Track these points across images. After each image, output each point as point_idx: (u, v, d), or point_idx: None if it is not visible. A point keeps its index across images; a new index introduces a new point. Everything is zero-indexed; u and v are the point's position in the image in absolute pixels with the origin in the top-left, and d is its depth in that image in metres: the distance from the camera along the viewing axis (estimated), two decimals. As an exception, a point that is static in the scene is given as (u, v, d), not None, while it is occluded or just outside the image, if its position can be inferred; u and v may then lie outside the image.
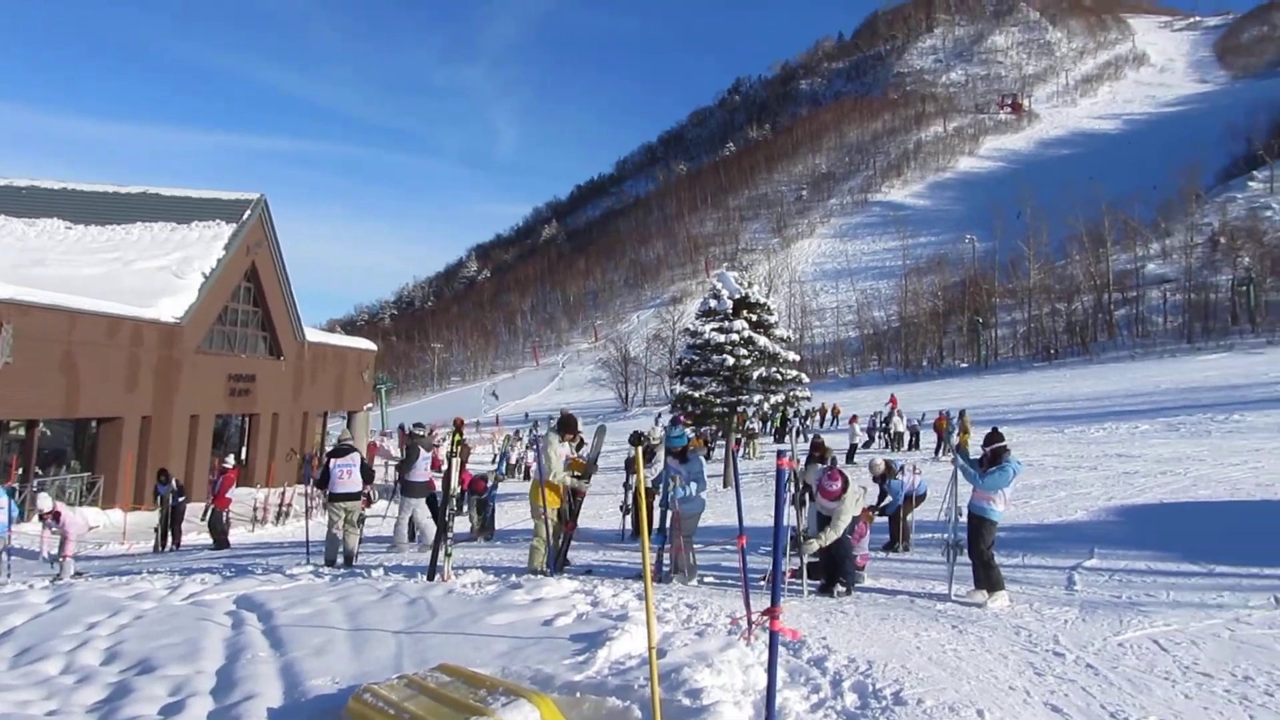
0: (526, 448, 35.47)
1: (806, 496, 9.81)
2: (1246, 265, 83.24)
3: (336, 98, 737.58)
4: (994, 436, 8.98)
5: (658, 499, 10.09)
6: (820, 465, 10.40)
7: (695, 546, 10.12)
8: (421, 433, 15.71)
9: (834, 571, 9.17)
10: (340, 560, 12.81)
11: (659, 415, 53.11)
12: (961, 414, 24.13)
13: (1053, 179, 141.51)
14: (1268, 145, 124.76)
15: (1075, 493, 17.11)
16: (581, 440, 13.44)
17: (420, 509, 14.34)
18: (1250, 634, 7.03)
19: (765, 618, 4.74)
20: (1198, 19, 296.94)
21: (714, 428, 26.35)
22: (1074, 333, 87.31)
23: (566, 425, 10.48)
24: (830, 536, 9.01)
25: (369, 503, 14.28)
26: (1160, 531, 12.68)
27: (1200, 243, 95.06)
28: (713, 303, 26.36)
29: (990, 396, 52.35)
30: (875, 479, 13.54)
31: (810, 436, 14.68)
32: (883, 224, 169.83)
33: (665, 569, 9.89)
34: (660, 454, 12.06)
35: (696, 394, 25.44)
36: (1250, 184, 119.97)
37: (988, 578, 8.55)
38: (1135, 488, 17.26)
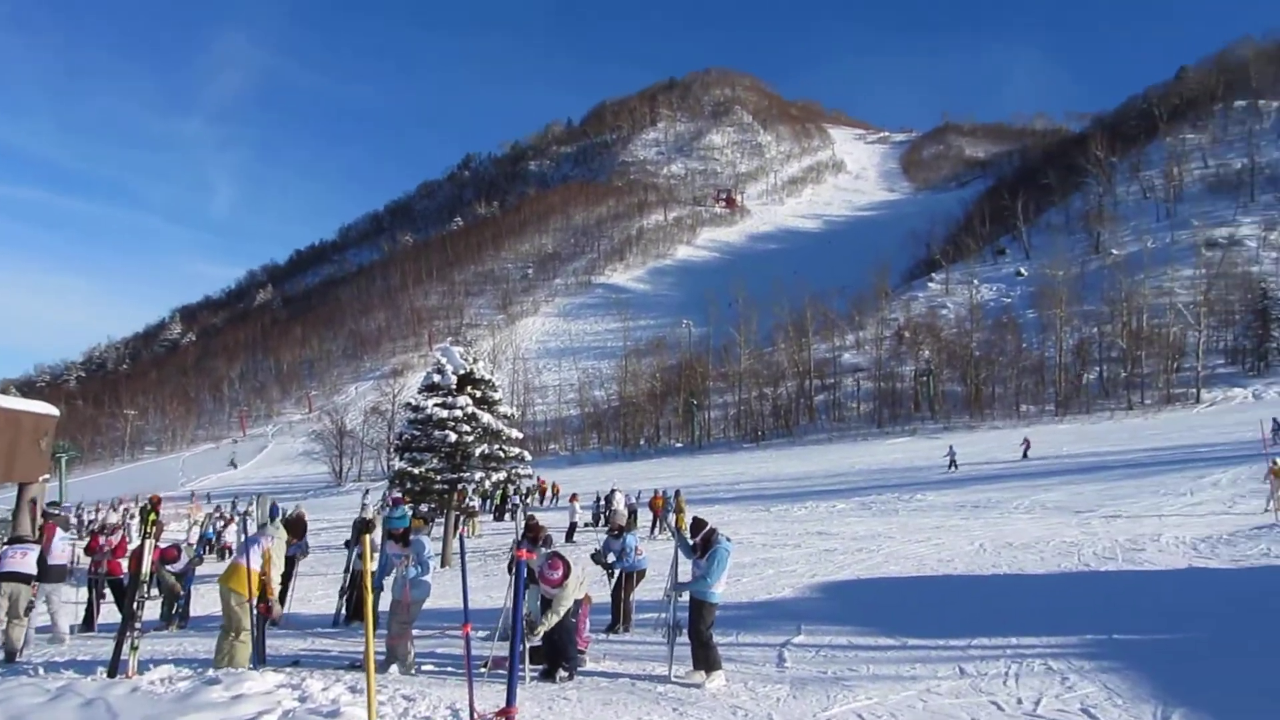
0: (226, 525, 33.17)
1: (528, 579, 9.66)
2: (926, 358, 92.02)
3: (23, 134, 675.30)
4: (698, 524, 9.21)
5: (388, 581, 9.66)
6: (542, 550, 10.28)
7: (413, 633, 9.71)
8: (56, 512, 14.40)
9: (556, 656, 9.06)
10: (0, 656, 11.32)
11: (366, 491, 51.38)
12: (677, 493, 24.83)
13: (762, 271, 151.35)
14: (944, 250, 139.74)
15: (782, 570, 17.93)
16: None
17: (55, 595, 12.98)
18: (940, 704, 7.56)
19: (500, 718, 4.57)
20: (887, 134, 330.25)
21: (433, 505, 25.61)
22: (779, 416, 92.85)
23: (294, 528, 9.88)
24: (552, 621, 8.91)
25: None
26: (859, 607, 13.48)
27: (888, 336, 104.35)
28: (436, 377, 25.88)
29: (703, 475, 54.42)
30: (614, 531, 13.55)
31: (526, 516, 14.58)
32: (605, 305, 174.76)
33: (380, 658, 9.42)
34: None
35: (416, 470, 24.73)
36: (929, 284, 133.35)
37: (706, 658, 8.72)
38: (835, 564, 18.31)
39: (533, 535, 11.37)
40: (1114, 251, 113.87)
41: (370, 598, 4.76)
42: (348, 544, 18.33)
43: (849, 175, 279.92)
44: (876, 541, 21.48)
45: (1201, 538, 17.79)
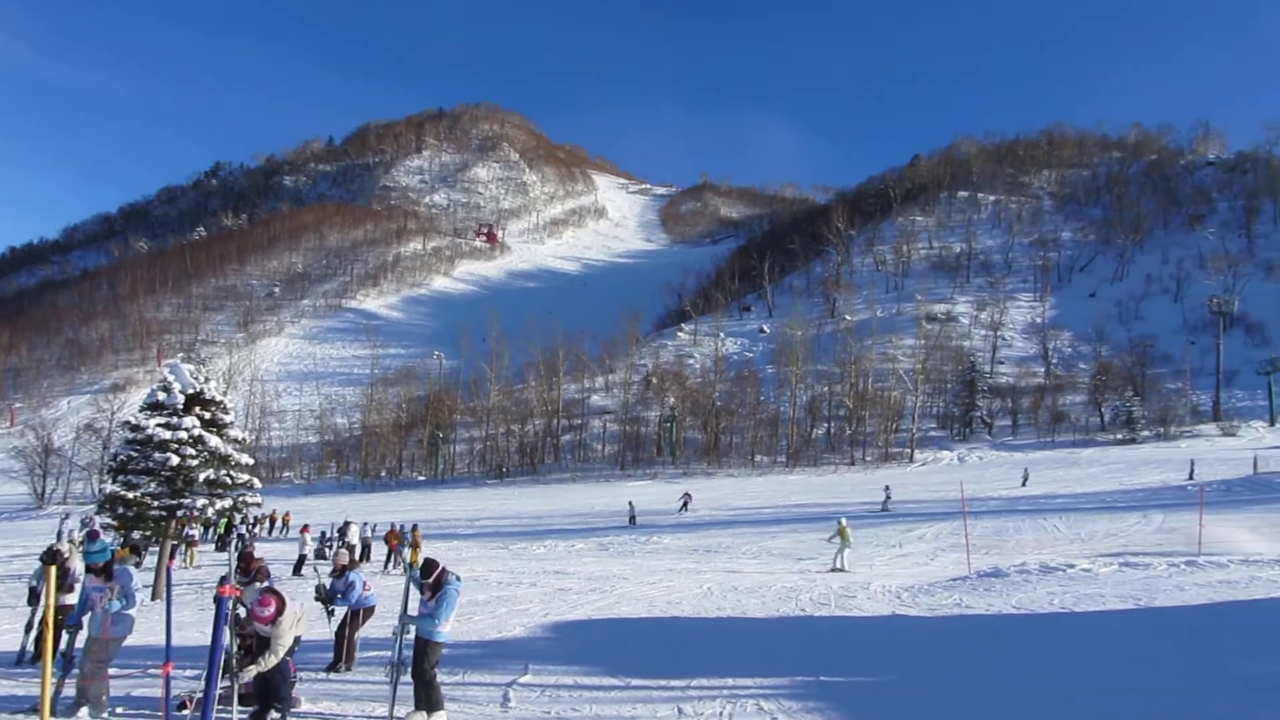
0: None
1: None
2: (671, 405, 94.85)
3: None
4: (430, 566, 9.03)
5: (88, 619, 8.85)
6: (256, 585, 9.64)
7: (110, 672, 8.93)
8: None
9: (268, 697, 8.58)
10: None
11: (66, 516, 47.08)
12: (414, 528, 24.28)
13: (519, 308, 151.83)
14: (694, 303, 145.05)
15: (515, 609, 17.86)
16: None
17: None
18: (655, 744, 7.72)
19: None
20: (649, 186, 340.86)
21: (148, 533, 23.77)
22: (525, 453, 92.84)
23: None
24: (269, 661, 8.42)
25: None
26: (588, 646, 13.59)
27: (636, 381, 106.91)
28: (161, 395, 24.15)
29: (444, 510, 53.54)
30: (336, 572, 13.02)
31: (240, 548, 13.79)
32: (354, 331, 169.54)
33: (67, 701, 8.60)
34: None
35: (131, 494, 22.92)
36: (679, 334, 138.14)
37: (428, 698, 8.53)
38: (569, 604, 18.43)
39: (245, 568, 10.75)
40: (847, 317, 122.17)
41: (51, 634, 4.34)
42: (37, 574, 16.67)
43: (610, 222, 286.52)
44: (611, 582, 21.80)
45: (905, 587, 19.19)
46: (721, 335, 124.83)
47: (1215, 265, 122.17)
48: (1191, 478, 52.17)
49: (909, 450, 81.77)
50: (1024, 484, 53.42)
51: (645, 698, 9.68)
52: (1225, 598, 15.68)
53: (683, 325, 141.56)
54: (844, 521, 24.99)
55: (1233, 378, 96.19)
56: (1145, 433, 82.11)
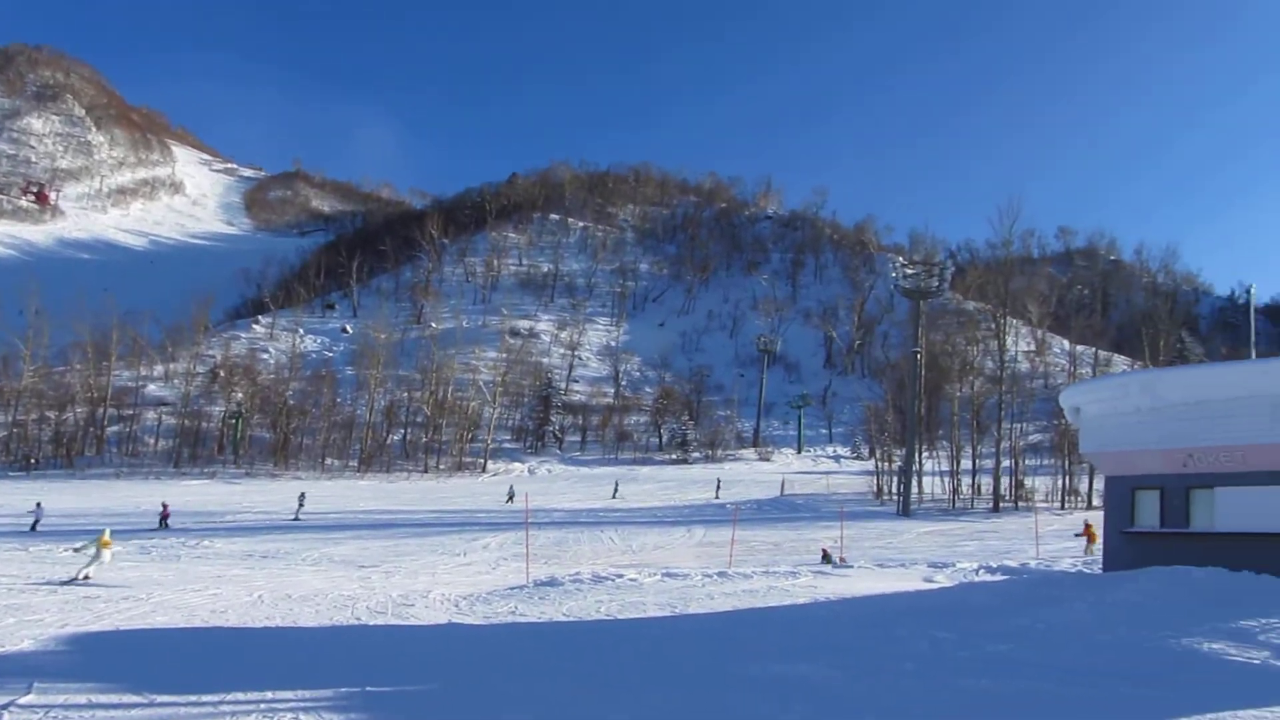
0: None
1: None
2: (239, 400, 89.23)
3: None
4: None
5: None
6: None
7: None
8: None
9: None
10: None
11: None
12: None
13: (68, 281, 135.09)
14: (275, 295, 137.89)
15: (27, 619, 15.72)
16: None
17: None
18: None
19: None
20: (235, 166, 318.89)
21: None
22: (60, 444, 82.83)
23: None
24: None
25: None
26: (111, 661, 12.25)
27: (202, 372, 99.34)
28: None
29: (-49, 504, 46.27)
30: None
31: None
32: None
33: None
34: None
35: None
36: (255, 326, 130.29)
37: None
38: (94, 613, 16.55)
39: None
40: (433, 324, 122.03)
41: None
42: None
43: (187, 199, 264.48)
44: (148, 589, 19.91)
45: (464, 595, 19.33)
46: (301, 331, 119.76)
47: (765, 308, 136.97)
48: (717, 496, 58.54)
49: (483, 460, 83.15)
50: (614, 495, 59.52)
51: (172, 715, 8.86)
52: (747, 605, 17.39)
53: (259, 317, 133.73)
54: (108, 533, 23.02)
55: (771, 409, 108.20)
56: (696, 454, 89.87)
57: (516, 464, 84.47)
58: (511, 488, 57.63)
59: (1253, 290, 34.44)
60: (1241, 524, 17.34)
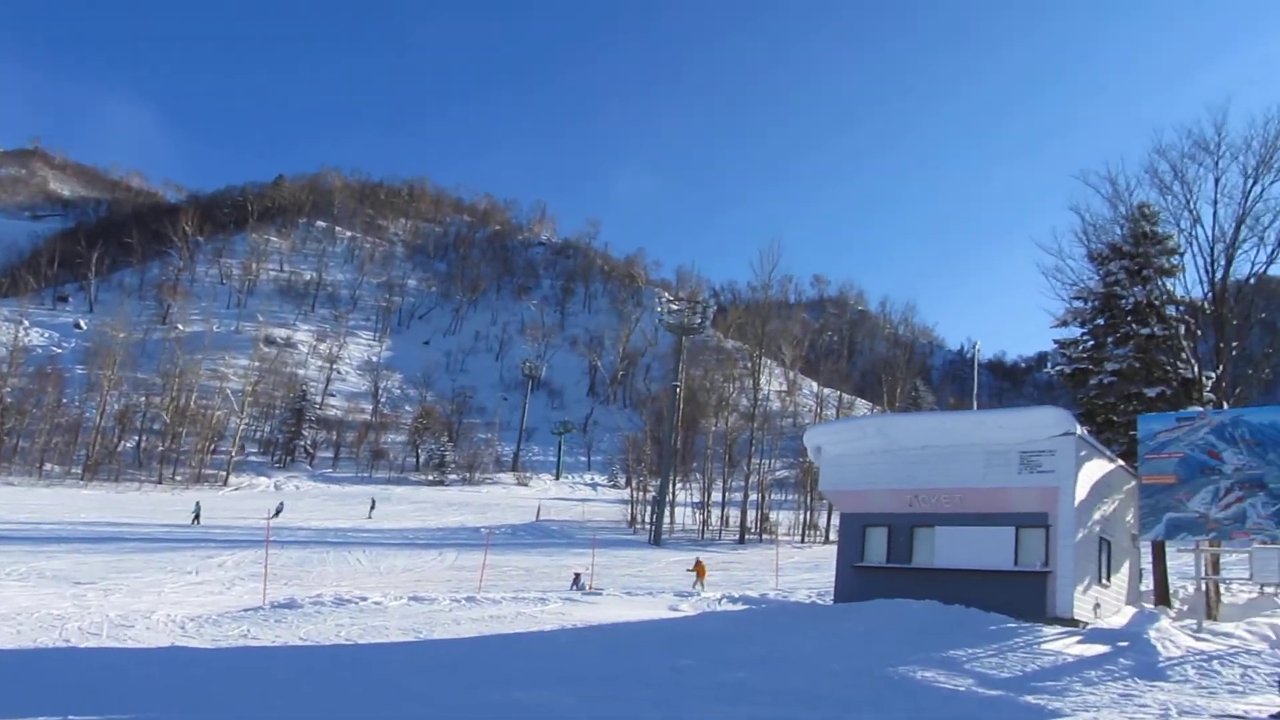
0: None
1: None
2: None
3: None
4: None
5: None
6: None
7: None
8: None
9: None
10: None
11: None
12: None
13: None
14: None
15: None
16: None
17: None
18: None
19: None
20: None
21: None
22: None
23: None
24: None
25: None
26: None
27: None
28: None
29: None
30: None
31: None
32: None
33: None
34: None
35: None
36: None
37: None
38: None
39: None
40: (180, 326, 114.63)
41: None
42: None
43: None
44: None
45: (192, 617, 18.13)
46: (26, 324, 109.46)
47: (533, 333, 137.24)
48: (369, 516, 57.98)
49: (225, 473, 78.62)
50: (370, 514, 57.92)
51: None
52: (493, 631, 17.22)
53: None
54: None
55: (533, 434, 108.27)
56: (453, 476, 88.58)
57: (263, 478, 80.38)
58: (198, 505, 49.29)
59: (977, 346, 37.57)
60: (956, 560, 18.80)
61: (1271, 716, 10.81)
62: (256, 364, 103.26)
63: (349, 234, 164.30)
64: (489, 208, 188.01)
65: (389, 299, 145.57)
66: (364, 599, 21.44)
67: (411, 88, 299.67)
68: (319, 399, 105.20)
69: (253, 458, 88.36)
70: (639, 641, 16.46)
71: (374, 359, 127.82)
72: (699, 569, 31.00)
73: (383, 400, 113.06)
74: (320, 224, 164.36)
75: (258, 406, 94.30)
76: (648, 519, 57.28)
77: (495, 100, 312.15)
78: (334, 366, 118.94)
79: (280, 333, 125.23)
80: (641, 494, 64.73)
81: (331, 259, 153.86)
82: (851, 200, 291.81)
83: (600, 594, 26.60)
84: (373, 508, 59.86)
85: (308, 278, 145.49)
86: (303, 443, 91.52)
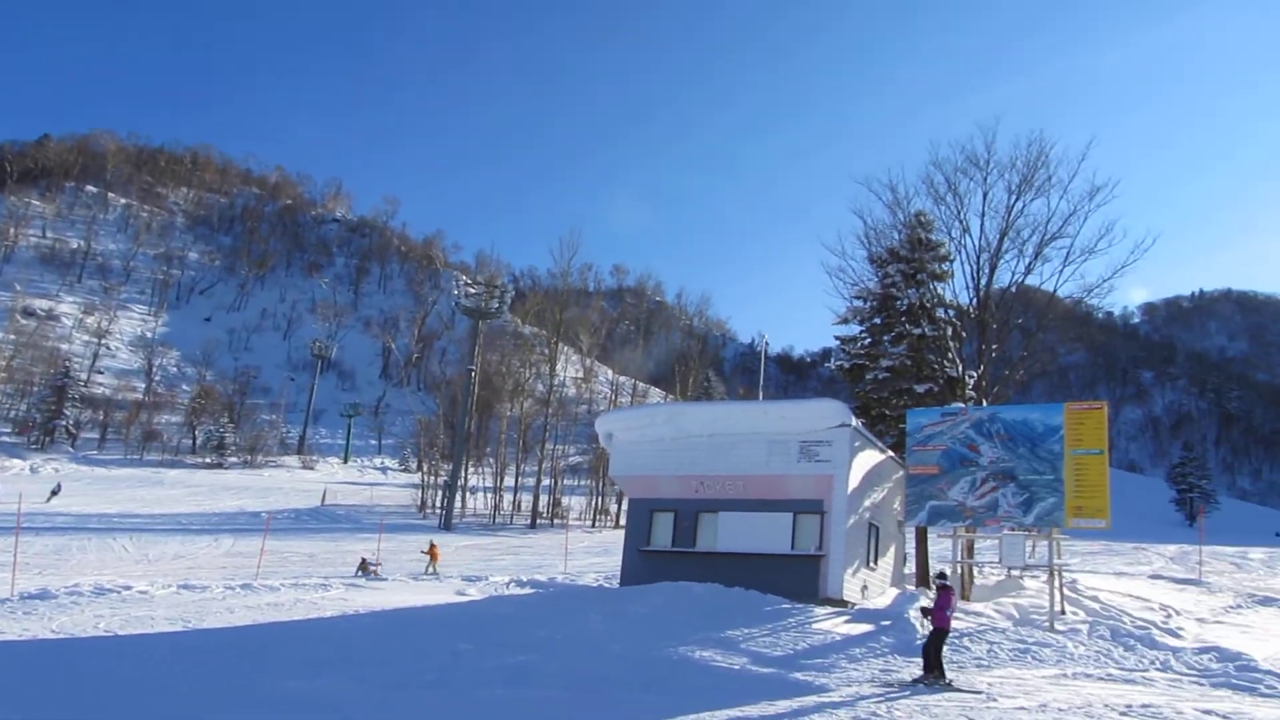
0: None
1: None
2: None
3: None
4: None
5: None
6: None
7: None
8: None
9: None
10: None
11: None
12: None
13: None
14: None
15: None
16: None
17: None
18: None
19: None
20: None
21: None
22: None
23: None
24: None
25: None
26: None
27: None
28: None
29: None
30: None
31: None
32: None
33: None
34: None
35: None
36: None
37: None
38: None
39: None
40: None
41: None
42: None
43: None
44: None
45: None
46: None
47: (324, 312, 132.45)
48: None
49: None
50: (51, 498, 50.82)
51: None
52: (270, 619, 16.56)
53: None
54: None
55: (321, 416, 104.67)
56: (234, 459, 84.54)
57: (17, 460, 74.12)
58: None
59: (766, 340, 39.06)
60: (738, 545, 19.49)
61: (915, 680, 12.02)
62: (13, 337, 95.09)
63: (123, 201, 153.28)
64: (280, 181, 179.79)
65: (167, 272, 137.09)
66: (128, 588, 20.17)
67: (200, 53, 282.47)
68: (84, 376, 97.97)
69: (5, 438, 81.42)
70: (422, 626, 16.24)
71: (148, 334, 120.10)
72: (432, 552, 30.50)
73: (157, 379, 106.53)
74: (90, 189, 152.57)
75: (13, 383, 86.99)
76: (439, 504, 56.49)
77: (291, 71, 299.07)
78: (102, 341, 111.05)
79: (41, 304, 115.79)
80: (433, 478, 63.72)
81: (102, 227, 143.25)
82: (651, 193, 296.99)
83: (386, 580, 26.06)
84: (55, 493, 52.23)
85: (74, 246, 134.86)
86: (64, 422, 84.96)
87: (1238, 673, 13.32)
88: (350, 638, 14.93)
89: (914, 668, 13.05)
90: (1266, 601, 21.53)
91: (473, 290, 63.19)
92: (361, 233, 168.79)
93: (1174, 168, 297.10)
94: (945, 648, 12.70)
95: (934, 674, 12.18)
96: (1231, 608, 20.65)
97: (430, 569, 29.37)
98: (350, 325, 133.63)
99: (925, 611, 13.00)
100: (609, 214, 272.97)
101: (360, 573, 27.84)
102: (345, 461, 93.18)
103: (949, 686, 11.95)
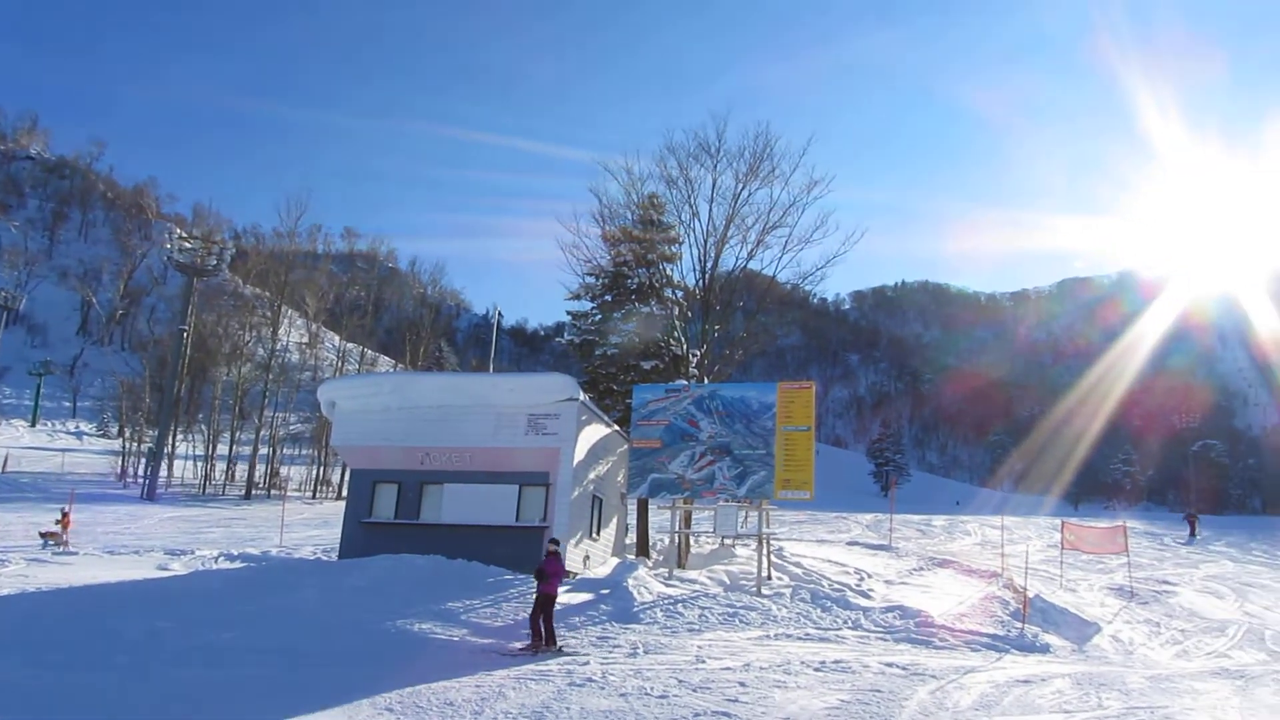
0: None
1: None
2: None
3: None
4: None
5: None
6: None
7: None
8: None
9: None
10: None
11: None
12: None
13: None
14: None
15: None
16: None
17: None
18: None
19: None
20: None
21: None
22: None
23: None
24: None
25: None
26: None
27: None
28: None
29: None
30: None
31: None
32: None
33: None
34: None
35: None
36: None
37: None
38: None
39: None
40: None
41: None
42: None
43: None
44: None
45: None
46: None
47: (12, 259, 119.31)
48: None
49: None
50: None
51: None
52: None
53: None
54: None
55: (5, 374, 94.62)
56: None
57: None
58: None
59: (499, 311, 38.92)
60: (463, 517, 19.43)
61: (521, 649, 12.48)
62: None
63: None
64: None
65: None
66: None
67: None
68: None
69: None
70: (115, 604, 15.07)
71: None
72: (65, 521, 27.11)
73: None
74: None
75: None
76: (142, 472, 52.58)
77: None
78: None
79: None
80: (137, 445, 59.21)
81: None
82: (388, 155, 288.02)
83: (75, 554, 23.99)
84: None
85: None
86: None
87: (917, 628, 14.85)
88: (32, 618, 13.65)
89: (630, 634, 13.50)
90: (944, 564, 23.99)
91: (188, 244, 58.79)
92: (61, 174, 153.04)
93: (882, 169, 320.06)
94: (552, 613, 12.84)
95: (544, 642, 12.41)
96: (915, 570, 22.84)
97: (56, 542, 25.57)
98: (44, 275, 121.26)
99: (539, 576, 12.89)
100: (341, 177, 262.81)
101: (47, 544, 25.44)
102: (33, 425, 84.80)
103: (559, 652, 12.26)
